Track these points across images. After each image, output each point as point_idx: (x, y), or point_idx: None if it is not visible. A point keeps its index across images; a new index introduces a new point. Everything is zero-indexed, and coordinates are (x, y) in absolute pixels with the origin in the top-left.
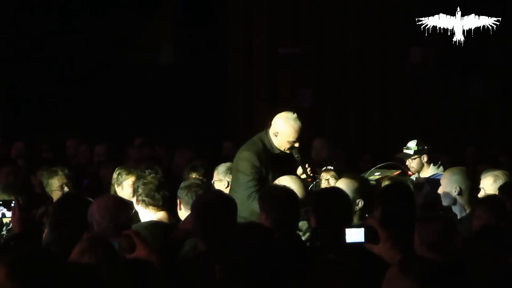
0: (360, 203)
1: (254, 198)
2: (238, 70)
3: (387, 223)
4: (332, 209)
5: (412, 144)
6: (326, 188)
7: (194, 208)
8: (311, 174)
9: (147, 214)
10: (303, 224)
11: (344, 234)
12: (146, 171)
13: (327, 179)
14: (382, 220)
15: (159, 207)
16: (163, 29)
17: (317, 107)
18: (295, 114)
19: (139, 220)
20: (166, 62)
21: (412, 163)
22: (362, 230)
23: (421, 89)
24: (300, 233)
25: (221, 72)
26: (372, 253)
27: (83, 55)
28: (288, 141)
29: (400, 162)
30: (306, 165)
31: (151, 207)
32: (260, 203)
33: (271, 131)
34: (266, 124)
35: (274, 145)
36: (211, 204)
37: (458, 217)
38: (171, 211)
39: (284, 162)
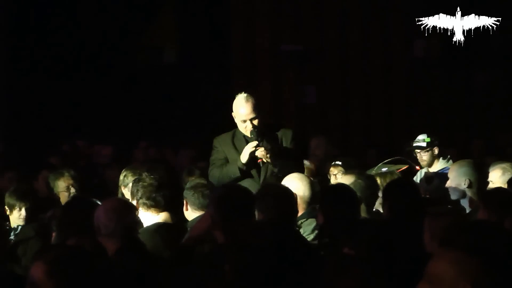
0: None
1: (211, 170)
2: (240, 68)
3: (394, 219)
4: (338, 205)
5: (424, 137)
6: (332, 185)
7: (213, 201)
8: (267, 159)
9: (149, 216)
10: (311, 222)
11: None
12: (143, 174)
13: (335, 174)
14: (388, 216)
15: (160, 208)
16: (166, 29)
17: (321, 104)
18: (246, 94)
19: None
20: (169, 62)
21: (424, 156)
22: None
23: (424, 82)
24: (309, 231)
25: (223, 70)
26: (384, 246)
27: (86, 56)
28: (241, 121)
29: (407, 156)
30: (262, 149)
31: (152, 209)
32: (256, 203)
33: (232, 114)
34: (269, 122)
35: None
36: (231, 195)
37: (467, 211)
38: (173, 210)
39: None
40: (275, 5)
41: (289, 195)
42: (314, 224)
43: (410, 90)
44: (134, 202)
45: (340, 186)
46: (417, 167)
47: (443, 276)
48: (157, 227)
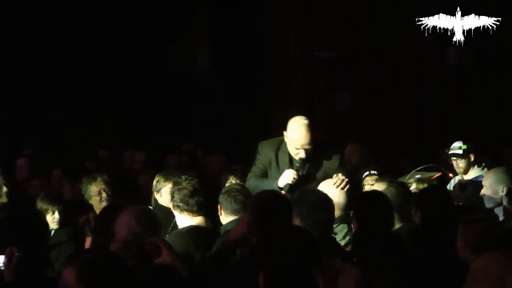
0: None
1: (249, 177)
2: (274, 74)
3: (426, 226)
4: (373, 212)
5: (460, 144)
6: (366, 192)
7: (251, 206)
8: (285, 192)
9: (183, 219)
10: (343, 228)
11: None
12: (182, 177)
13: (371, 184)
14: (421, 223)
15: (194, 213)
16: (199, 35)
17: (354, 111)
18: (307, 121)
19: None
20: (202, 68)
21: (460, 163)
22: None
23: (458, 89)
24: (340, 236)
25: (257, 77)
26: (417, 253)
27: (119, 61)
28: (294, 147)
29: (441, 163)
30: (293, 177)
31: (185, 212)
32: (294, 209)
33: (285, 133)
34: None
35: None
36: (269, 201)
37: (500, 219)
38: (207, 216)
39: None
40: (309, 11)
41: (326, 202)
42: (345, 230)
43: (444, 97)
44: (171, 205)
45: (375, 193)
46: (450, 175)
47: (490, 272)
48: (189, 229)
